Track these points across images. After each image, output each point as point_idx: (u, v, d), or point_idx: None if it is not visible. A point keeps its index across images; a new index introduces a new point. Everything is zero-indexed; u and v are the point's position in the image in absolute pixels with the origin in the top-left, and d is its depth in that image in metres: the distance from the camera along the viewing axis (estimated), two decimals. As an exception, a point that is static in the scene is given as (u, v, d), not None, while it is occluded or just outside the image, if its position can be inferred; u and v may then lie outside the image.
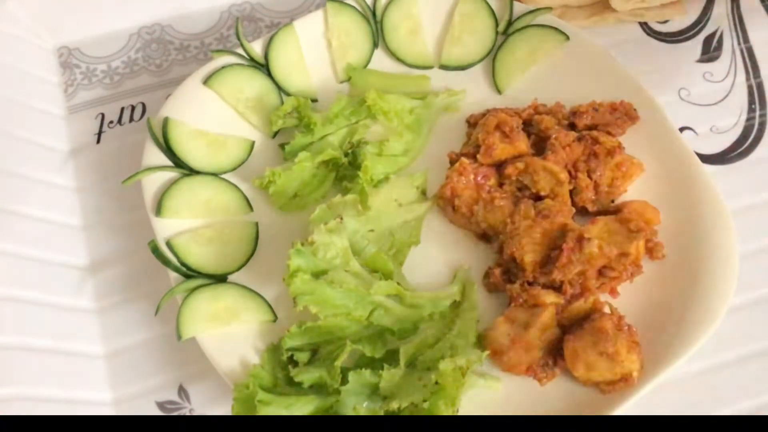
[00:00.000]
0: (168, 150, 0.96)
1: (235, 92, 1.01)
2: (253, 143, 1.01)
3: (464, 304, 0.89)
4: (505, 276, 0.90)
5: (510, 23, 1.04)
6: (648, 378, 0.82)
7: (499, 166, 0.94)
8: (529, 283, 0.87)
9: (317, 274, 0.84)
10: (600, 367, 0.82)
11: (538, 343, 0.84)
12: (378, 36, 1.06)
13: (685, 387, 0.88)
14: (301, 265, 0.83)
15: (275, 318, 0.90)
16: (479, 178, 0.93)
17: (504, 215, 0.90)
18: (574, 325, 0.85)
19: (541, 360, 0.84)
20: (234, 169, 0.99)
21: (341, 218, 0.86)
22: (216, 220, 0.95)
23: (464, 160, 0.94)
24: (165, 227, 0.93)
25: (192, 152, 0.97)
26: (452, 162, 0.96)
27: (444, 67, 1.06)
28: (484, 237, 0.94)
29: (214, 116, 1.00)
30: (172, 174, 0.96)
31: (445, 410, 0.78)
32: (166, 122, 0.96)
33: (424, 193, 0.98)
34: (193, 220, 0.94)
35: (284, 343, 0.85)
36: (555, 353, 0.85)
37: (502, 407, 0.84)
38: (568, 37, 1.01)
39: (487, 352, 0.84)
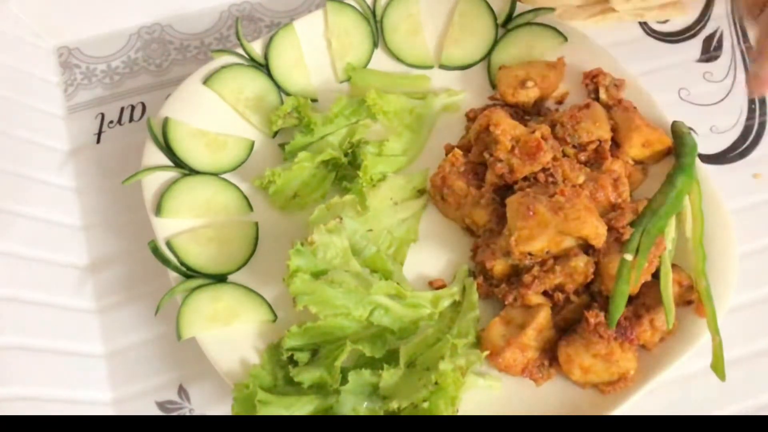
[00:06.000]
0: (168, 150, 0.96)
1: (235, 92, 1.01)
2: (253, 143, 1.01)
3: (464, 304, 0.89)
4: (487, 282, 0.89)
5: (510, 20, 1.04)
6: (647, 378, 0.82)
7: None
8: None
9: (317, 274, 0.84)
10: (596, 369, 0.81)
11: (534, 344, 0.83)
12: (378, 36, 1.06)
13: (685, 387, 0.88)
14: (301, 265, 0.83)
15: (275, 318, 0.90)
16: (470, 177, 0.93)
17: (484, 220, 0.90)
18: (567, 328, 0.85)
19: (536, 361, 0.84)
20: (234, 169, 0.99)
21: (341, 219, 0.87)
22: (216, 220, 0.95)
23: (457, 150, 0.94)
24: (165, 227, 0.93)
25: (192, 152, 0.97)
26: (448, 153, 0.95)
27: (444, 67, 1.06)
28: (470, 231, 0.94)
29: (214, 116, 1.00)
30: (172, 174, 0.96)
31: (445, 410, 0.78)
32: (166, 122, 0.96)
33: (422, 192, 0.98)
34: (193, 220, 0.94)
35: (284, 343, 0.85)
36: (551, 354, 0.84)
37: (502, 407, 0.84)
38: (566, 38, 1.01)
39: (486, 352, 0.83)
